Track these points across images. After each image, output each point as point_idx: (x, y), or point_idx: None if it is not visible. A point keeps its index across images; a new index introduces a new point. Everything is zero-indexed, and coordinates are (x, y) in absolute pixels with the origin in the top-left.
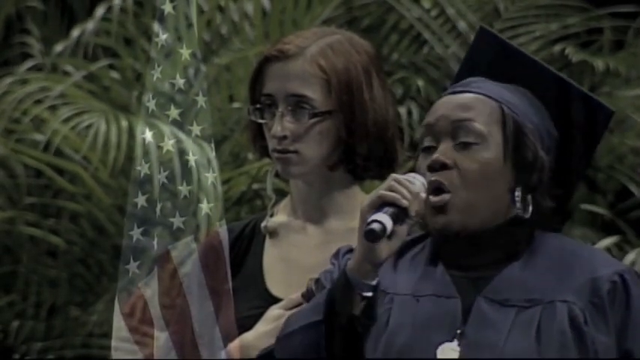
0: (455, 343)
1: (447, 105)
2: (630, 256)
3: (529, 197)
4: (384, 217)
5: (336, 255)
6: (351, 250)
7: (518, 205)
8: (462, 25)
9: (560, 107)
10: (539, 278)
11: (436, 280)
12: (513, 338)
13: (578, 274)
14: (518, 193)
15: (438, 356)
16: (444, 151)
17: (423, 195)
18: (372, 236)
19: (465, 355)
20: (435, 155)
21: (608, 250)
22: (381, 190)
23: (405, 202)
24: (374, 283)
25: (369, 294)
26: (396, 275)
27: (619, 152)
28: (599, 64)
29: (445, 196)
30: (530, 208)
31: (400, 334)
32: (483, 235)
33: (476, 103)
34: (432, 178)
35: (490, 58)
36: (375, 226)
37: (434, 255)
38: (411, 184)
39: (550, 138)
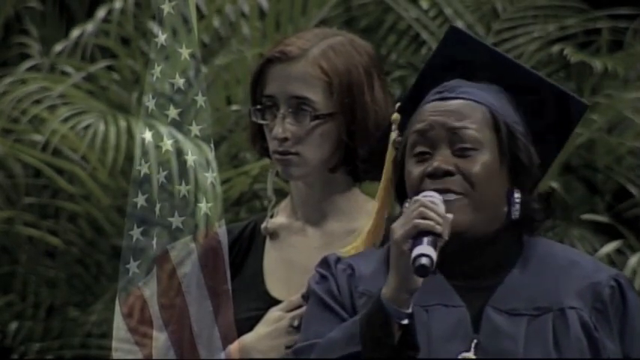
0: (471, 352)
1: (439, 112)
2: (633, 260)
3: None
4: (429, 250)
5: (323, 265)
6: (339, 260)
7: (517, 207)
8: (460, 25)
9: (532, 102)
10: (540, 285)
11: (438, 289)
12: (531, 347)
13: (576, 280)
14: (517, 195)
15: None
16: (444, 159)
17: (450, 216)
18: (424, 271)
19: None
20: (436, 163)
21: (608, 254)
22: (413, 218)
23: (440, 229)
24: (410, 310)
25: (406, 322)
26: None
27: (618, 153)
28: (597, 64)
29: (450, 196)
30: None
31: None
32: (483, 240)
33: (467, 109)
34: (435, 187)
35: (461, 56)
36: (425, 261)
37: None
38: (436, 205)
39: (529, 135)
